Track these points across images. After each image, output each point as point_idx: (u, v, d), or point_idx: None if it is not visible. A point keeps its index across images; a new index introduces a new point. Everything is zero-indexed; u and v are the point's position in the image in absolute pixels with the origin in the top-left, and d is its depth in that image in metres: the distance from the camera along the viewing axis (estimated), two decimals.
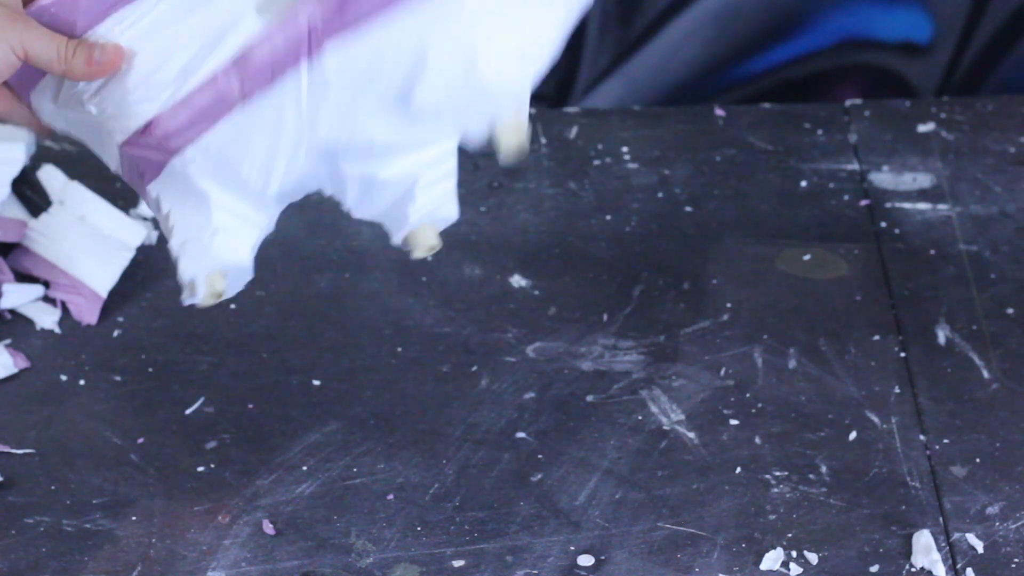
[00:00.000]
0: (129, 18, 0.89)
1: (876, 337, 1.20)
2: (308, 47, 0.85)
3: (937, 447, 1.10)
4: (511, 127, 0.86)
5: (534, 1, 0.85)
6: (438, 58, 0.84)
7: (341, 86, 0.86)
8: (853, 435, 1.11)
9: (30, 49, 0.86)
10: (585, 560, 1.01)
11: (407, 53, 0.84)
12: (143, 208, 1.30)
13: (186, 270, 0.93)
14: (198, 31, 0.88)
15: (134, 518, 1.04)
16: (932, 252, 1.29)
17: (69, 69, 0.87)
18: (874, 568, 1.00)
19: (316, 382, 1.16)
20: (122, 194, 1.28)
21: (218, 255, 0.92)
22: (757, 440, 1.11)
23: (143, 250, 1.25)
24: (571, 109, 1.55)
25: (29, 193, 1.32)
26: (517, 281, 1.25)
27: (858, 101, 1.50)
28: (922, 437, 1.11)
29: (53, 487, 1.07)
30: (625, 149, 1.43)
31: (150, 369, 1.17)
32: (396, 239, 0.95)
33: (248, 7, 0.87)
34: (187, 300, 0.94)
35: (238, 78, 0.87)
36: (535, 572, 1.00)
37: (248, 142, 0.89)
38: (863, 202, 1.36)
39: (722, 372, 1.17)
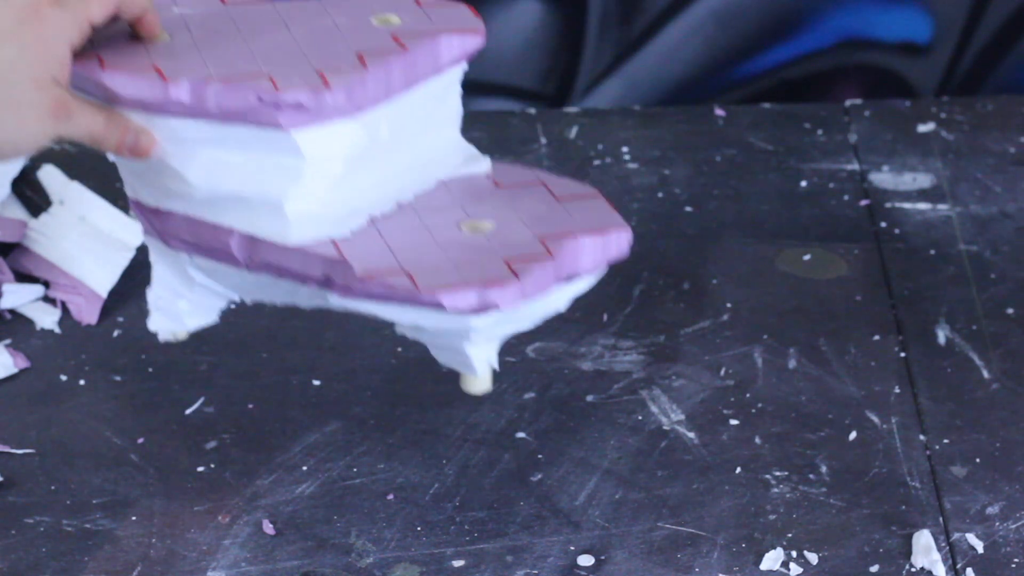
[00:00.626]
0: (171, 123, 0.89)
1: (876, 337, 1.20)
2: (318, 286, 0.90)
3: (937, 447, 1.10)
4: (478, 380, 0.93)
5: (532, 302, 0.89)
6: (431, 327, 0.90)
7: (340, 307, 0.91)
8: (853, 435, 1.11)
9: (64, 134, 0.88)
10: (585, 560, 1.01)
11: (404, 320, 0.90)
12: None
13: (155, 324, 1.00)
14: (230, 179, 0.89)
15: (134, 518, 1.04)
16: (932, 252, 1.29)
17: (99, 145, 0.89)
18: (874, 568, 1.00)
19: (316, 382, 1.16)
20: (122, 194, 1.27)
21: (187, 321, 0.99)
22: (757, 440, 1.10)
23: (143, 250, 1.24)
24: (571, 109, 1.55)
25: (29, 193, 1.32)
26: None
27: (858, 101, 1.50)
28: (922, 437, 1.11)
29: (53, 487, 1.07)
30: (625, 149, 1.43)
31: (150, 369, 1.17)
32: None
33: (282, 198, 0.89)
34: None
35: (247, 254, 0.91)
36: (535, 572, 1.00)
37: (240, 278, 0.94)
38: (863, 202, 1.36)
39: (722, 372, 1.17)
